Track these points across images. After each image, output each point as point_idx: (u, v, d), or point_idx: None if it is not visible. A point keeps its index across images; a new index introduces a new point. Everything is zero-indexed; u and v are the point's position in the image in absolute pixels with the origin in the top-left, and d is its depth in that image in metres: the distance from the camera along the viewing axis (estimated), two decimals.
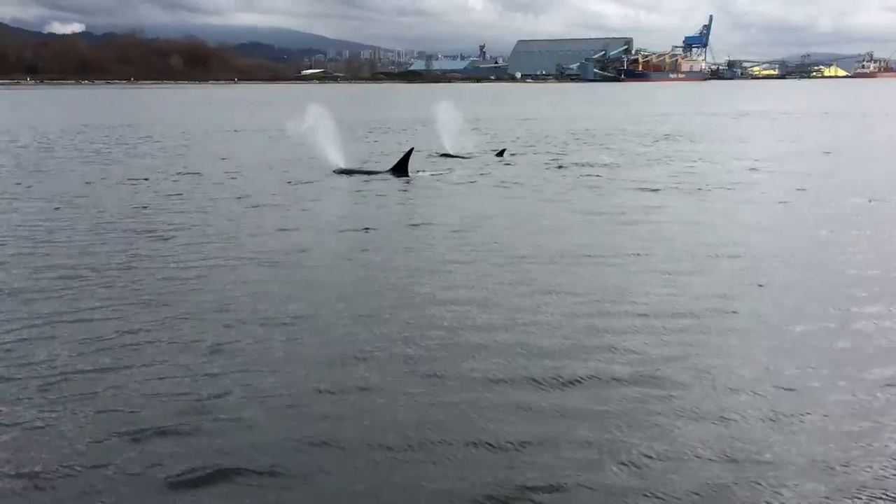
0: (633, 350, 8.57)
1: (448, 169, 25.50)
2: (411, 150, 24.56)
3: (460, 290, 10.92)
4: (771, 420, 6.91)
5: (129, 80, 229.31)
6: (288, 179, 23.02)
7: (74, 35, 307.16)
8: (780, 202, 18.58)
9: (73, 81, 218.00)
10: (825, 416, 7.02)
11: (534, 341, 8.85)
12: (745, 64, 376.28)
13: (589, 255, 12.92)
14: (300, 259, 12.93)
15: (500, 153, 29.73)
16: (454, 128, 31.62)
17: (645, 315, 9.71)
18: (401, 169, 23.52)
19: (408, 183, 22.45)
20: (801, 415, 7.02)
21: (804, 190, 20.52)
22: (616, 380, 7.78)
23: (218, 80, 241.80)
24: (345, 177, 23.38)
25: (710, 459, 6.25)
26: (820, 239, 14.54)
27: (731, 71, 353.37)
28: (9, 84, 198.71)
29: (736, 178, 22.81)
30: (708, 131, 44.75)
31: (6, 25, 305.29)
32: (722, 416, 6.97)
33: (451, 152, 29.42)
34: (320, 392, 7.53)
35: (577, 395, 7.47)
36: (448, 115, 32.37)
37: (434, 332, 9.16)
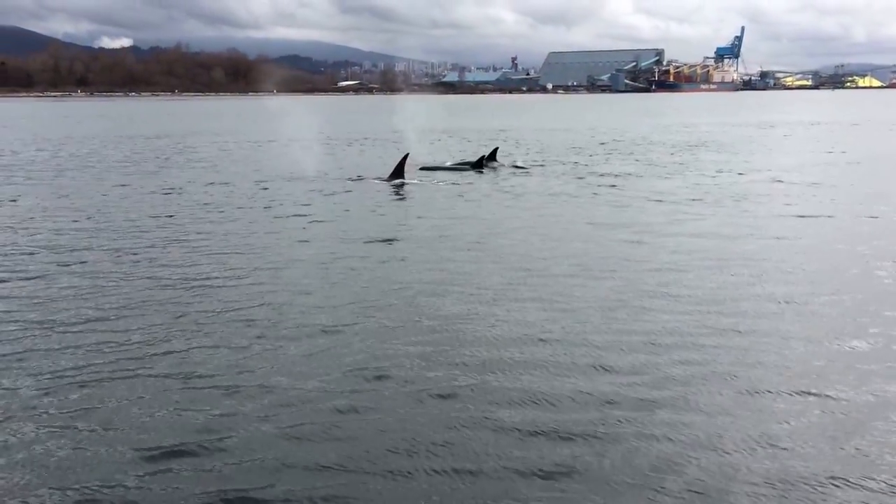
0: (660, 369, 8.22)
1: (463, 177, 25.41)
2: (406, 155, 25.25)
3: (475, 305, 10.56)
4: (822, 445, 6.56)
5: (174, 91, 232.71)
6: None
7: (123, 49, 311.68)
8: (805, 216, 17.79)
9: (121, 93, 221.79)
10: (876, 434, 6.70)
11: (557, 359, 8.51)
12: (777, 74, 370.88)
13: (608, 270, 12.51)
14: (321, 270, 12.68)
15: (490, 157, 29.09)
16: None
17: (667, 334, 9.32)
18: (398, 174, 24.18)
19: (402, 188, 23.05)
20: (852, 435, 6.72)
21: (828, 202, 19.91)
22: (645, 401, 7.41)
23: (258, 91, 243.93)
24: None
25: (761, 484, 5.92)
26: (845, 252, 13.88)
27: (764, 81, 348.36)
28: (61, 96, 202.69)
29: (759, 190, 22.26)
30: (736, 142, 43.96)
31: (59, 40, 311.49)
32: (771, 443, 6.59)
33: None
34: (339, 412, 7.23)
35: (608, 417, 7.10)
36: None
37: (451, 349, 8.85)
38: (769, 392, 7.63)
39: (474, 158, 29.29)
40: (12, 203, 20.80)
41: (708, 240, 14.92)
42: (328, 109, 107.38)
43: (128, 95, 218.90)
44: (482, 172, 27.26)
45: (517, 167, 28.96)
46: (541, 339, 9.16)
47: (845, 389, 7.65)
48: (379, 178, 24.72)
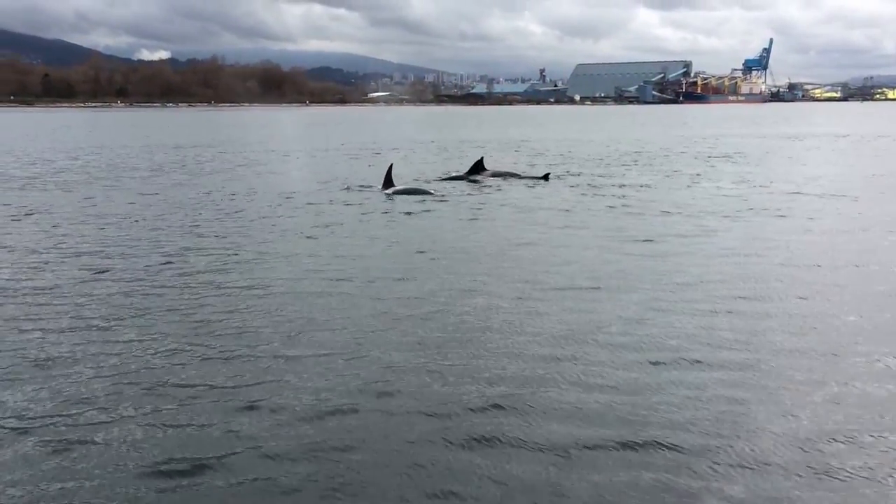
0: (690, 388, 7.82)
1: (483, 186, 24.98)
2: (391, 165, 25.16)
3: (493, 319, 10.16)
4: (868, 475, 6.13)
5: (210, 102, 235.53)
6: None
7: (161, 61, 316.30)
8: (826, 231, 17.01)
9: (158, 104, 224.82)
10: None
11: (577, 376, 8.15)
12: (806, 86, 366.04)
13: (625, 288, 11.92)
14: (335, 284, 12.22)
15: (476, 168, 28.22)
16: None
17: (682, 356, 8.80)
18: (388, 183, 24.02)
19: (391, 197, 22.86)
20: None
21: (851, 215, 19.21)
22: (677, 422, 7.00)
23: (291, 102, 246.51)
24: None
25: None
26: (865, 269, 13.13)
27: (792, 93, 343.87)
28: (102, 106, 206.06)
29: (778, 203, 21.55)
30: (759, 153, 43.09)
31: (100, 53, 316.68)
32: (815, 469, 6.20)
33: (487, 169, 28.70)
34: (352, 430, 6.94)
35: (637, 436, 6.70)
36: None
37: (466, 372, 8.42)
38: (805, 410, 7.28)
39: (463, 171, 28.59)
40: (43, 211, 20.78)
41: (724, 255, 14.27)
42: (355, 120, 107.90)
43: (165, 106, 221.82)
44: (474, 182, 26.64)
45: (508, 174, 28.22)
46: (559, 357, 8.72)
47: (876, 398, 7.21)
48: (379, 189, 24.34)
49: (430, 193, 23.35)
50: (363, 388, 7.88)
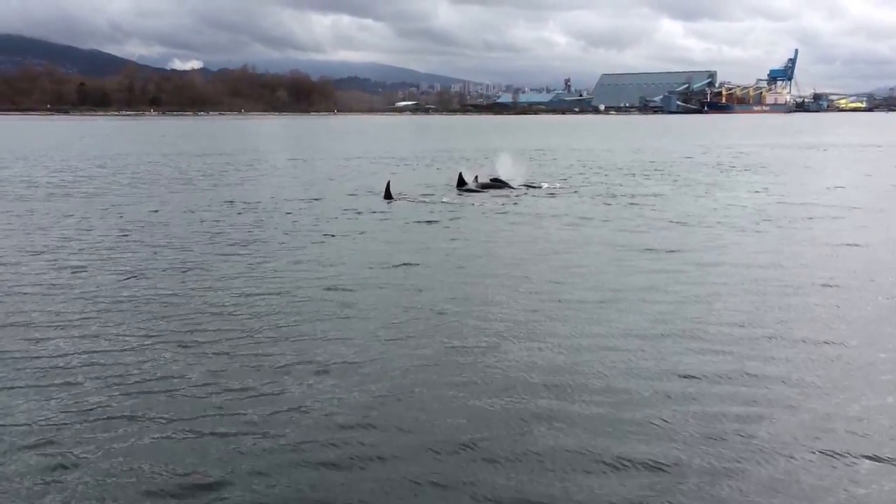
0: (715, 403, 7.69)
1: (502, 196, 24.93)
2: (388, 181, 26.01)
3: (504, 335, 9.98)
4: None
5: (240, 111, 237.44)
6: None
7: (193, 71, 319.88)
8: (847, 244, 16.55)
9: (190, 112, 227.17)
10: None
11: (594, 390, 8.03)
12: (831, 97, 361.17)
13: (638, 298, 11.76)
14: (348, 295, 12.11)
15: (460, 184, 27.41)
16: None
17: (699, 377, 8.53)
18: (388, 195, 24.93)
19: (389, 206, 23.23)
20: None
21: (871, 227, 18.87)
22: (700, 436, 6.93)
23: (319, 111, 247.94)
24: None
25: None
26: (886, 284, 12.74)
27: (817, 104, 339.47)
28: (135, 115, 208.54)
29: (795, 213, 21.28)
30: (780, 163, 42.63)
31: (134, 62, 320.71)
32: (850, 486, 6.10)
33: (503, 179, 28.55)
34: (367, 444, 6.89)
35: (662, 452, 6.63)
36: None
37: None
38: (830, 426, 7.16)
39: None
40: (68, 217, 21.07)
41: (742, 266, 14.09)
42: (380, 129, 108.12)
43: (196, 114, 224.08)
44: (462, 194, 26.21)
45: (497, 182, 27.76)
46: (576, 371, 8.58)
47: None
48: (384, 199, 24.60)
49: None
50: (379, 402, 7.78)
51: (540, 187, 28.02)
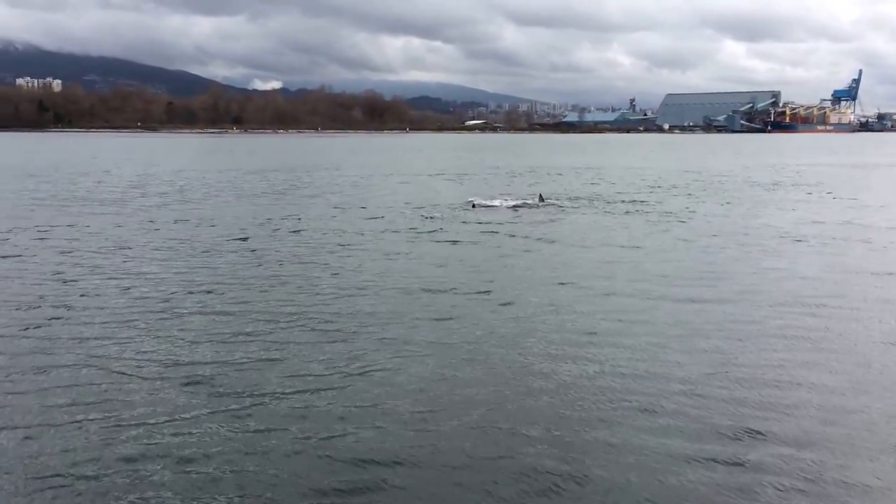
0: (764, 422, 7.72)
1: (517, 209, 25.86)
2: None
3: (552, 352, 9.88)
4: None
5: (317, 129, 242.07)
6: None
7: (273, 91, 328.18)
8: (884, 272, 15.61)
9: (270, 130, 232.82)
10: None
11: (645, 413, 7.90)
12: (895, 117, 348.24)
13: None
14: (391, 307, 12.17)
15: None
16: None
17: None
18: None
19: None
20: None
21: None
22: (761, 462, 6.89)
23: (392, 129, 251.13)
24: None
25: None
26: None
27: (881, 123, 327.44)
28: (219, 132, 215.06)
29: (832, 232, 21.47)
30: (834, 181, 42.17)
31: (218, 83, 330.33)
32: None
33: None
34: (399, 462, 6.85)
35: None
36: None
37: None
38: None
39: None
40: (151, 224, 22.56)
41: (776, 281, 14.54)
42: (451, 146, 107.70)
43: (276, 132, 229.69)
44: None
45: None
46: (632, 392, 8.44)
47: None
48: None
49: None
50: (416, 417, 7.76)
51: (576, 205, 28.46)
